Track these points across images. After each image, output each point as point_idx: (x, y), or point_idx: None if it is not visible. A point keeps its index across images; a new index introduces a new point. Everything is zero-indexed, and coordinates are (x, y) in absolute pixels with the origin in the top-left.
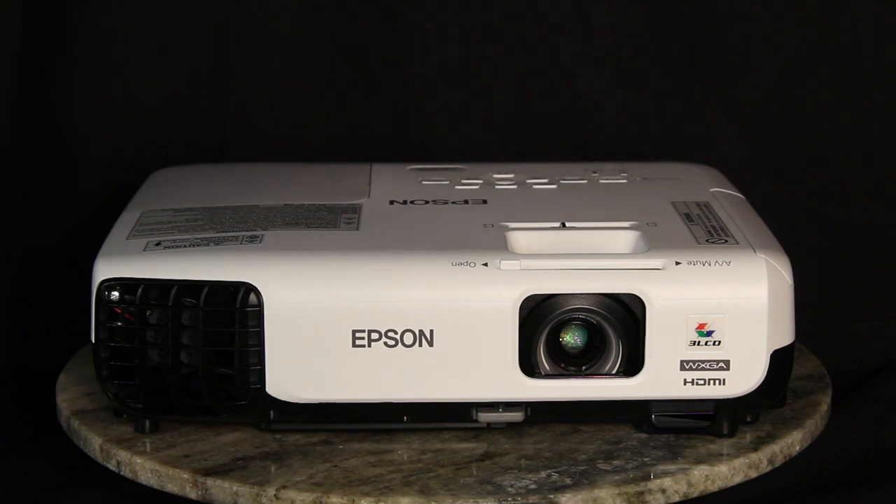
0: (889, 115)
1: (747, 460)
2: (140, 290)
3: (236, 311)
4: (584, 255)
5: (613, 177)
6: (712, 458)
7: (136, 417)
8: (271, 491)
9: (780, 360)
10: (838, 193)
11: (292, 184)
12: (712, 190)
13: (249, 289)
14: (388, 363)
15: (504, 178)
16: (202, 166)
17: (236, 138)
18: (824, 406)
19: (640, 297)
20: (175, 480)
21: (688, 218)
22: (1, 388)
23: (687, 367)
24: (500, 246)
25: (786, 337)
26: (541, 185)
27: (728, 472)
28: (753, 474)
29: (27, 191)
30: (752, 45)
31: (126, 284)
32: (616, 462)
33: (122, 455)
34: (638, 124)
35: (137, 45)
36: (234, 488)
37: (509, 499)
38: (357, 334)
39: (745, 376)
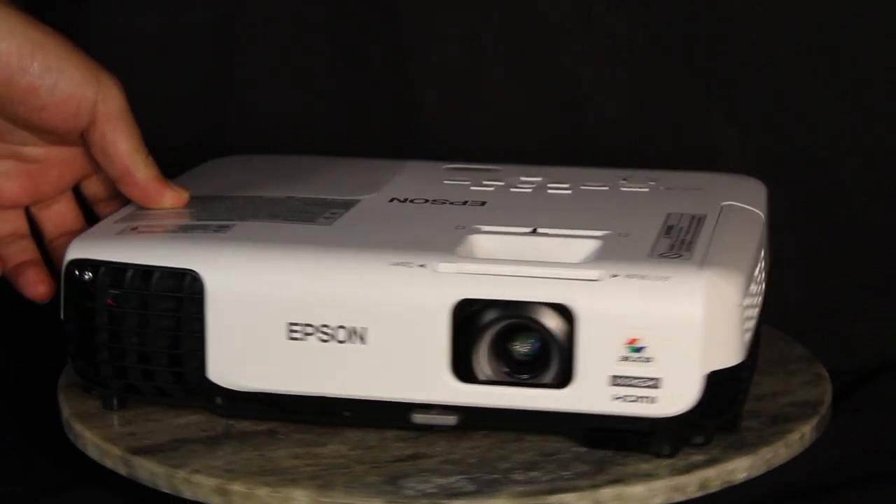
0: (889, 115)
1: (672, 482)
2: (100, 272)
3: (182, 298)
4: (524, 262)
5: (638, 185)
6: (634, 478)
7: (102, 394)
8: (183, 473)
9: (721, 382)
10: (838, 193)
11: (316, 177)
12: (725, 203)
13: (193, 276)
14: (322, 358)
15: (527, 182)
16: (258, 156)
17: (236, 138)
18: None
19: (571, 307)
20: (110, 457)
21: (667, 231)
22: (1, 388)
23: (617, 383)
24: (451, 248)
25: (729, 358)
26: (558, 189)
27: (646, 492)
28: (678, 498)
29: None
30: (752, 45)
31: (90, 265)
32: (533, 473)
33: (79, 428)
34: (638, 124)
35: (137, 45)
36: (154, 468)
37: (400, 501)
38: (292, 327)
39: (677, 396)
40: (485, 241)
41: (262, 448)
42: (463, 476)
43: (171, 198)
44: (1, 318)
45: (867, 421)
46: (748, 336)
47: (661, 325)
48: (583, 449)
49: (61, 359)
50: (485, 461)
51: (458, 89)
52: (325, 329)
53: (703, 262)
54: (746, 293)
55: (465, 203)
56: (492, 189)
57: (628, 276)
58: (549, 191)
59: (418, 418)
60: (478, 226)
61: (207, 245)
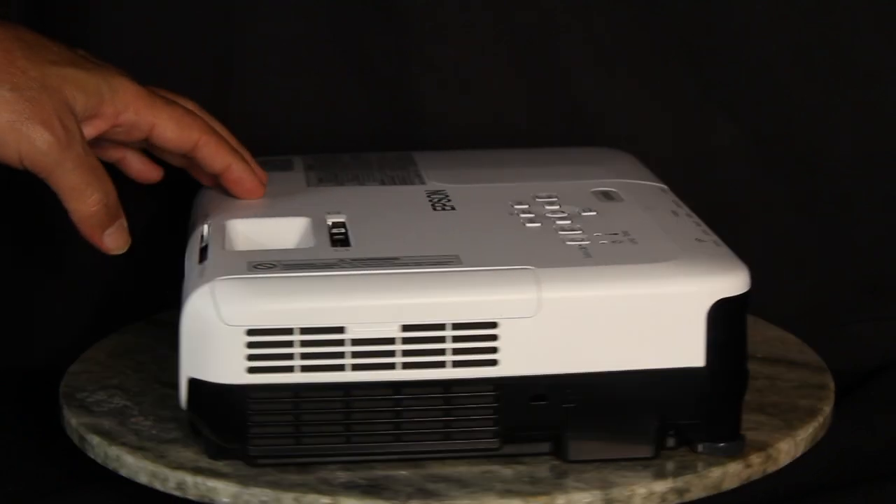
0: (889, 115)
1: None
2: None
3: None
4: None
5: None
6: (189, 470)
7: None
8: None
9: (211, 396)
10: (838, 193)
11: (510, 168)
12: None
13: None
14: None
15: (554, 210)
16: (611, 150)
17: (237, 138)
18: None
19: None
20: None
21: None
22: (2, 388)
23: None
24: (243, 216)
25: (217, 374)
26: (536, 221)
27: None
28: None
29: (27, 192)
30: (752, 45)
31: None
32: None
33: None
34: (638, 124)
35: (136, 45)
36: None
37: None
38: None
39: (182, 399)
40: (296, 226)
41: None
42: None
43: (106, 242)
44: (2, 316)
45: (867, 421)
46: (265, 364)
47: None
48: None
49: (62, 359)
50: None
51: (458, 89)
52: None
53: (239, 281)
54: (258, 317)
55: (441, 208)
56: (523, 206)
57: (203, 270)
58: (525, 220)
59: None
60: (334, 216)
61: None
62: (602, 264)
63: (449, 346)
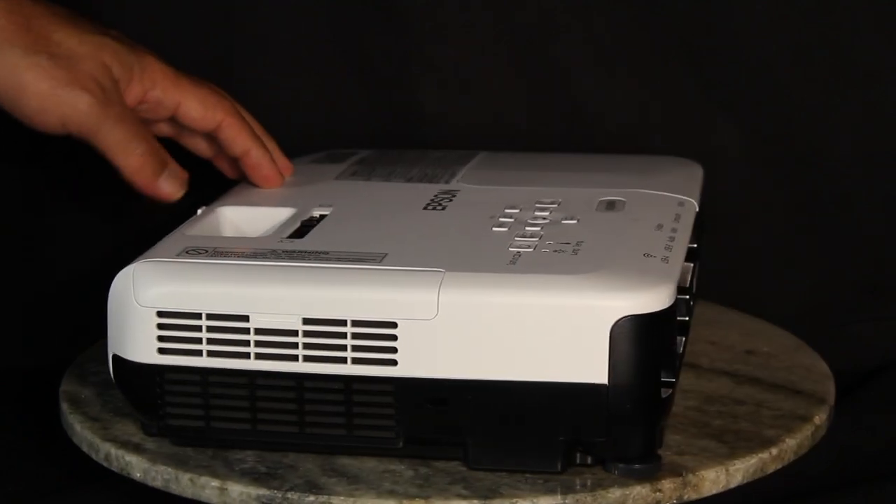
0: (889, 115)
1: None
2: None
3: None
4: (192, 223)
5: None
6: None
7: None
8: None
9: (128, 372)
10: (838, 193)
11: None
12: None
13: None
14: None
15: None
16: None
17: None
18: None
19: None
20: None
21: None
22: (2, 388)
23: None
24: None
25: (132, 351)
26: (507, 220)
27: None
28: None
29: (28, 192)
30: (752, 45)
31: None
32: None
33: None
34: (638, 124)
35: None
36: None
37: None
38: None
39: None
40: (270, 214)
41: None
42: None
43: (163, 188)
44: (2, 316)
45: (867, 421)
46: (175, 346)
47: None
48: None
49: (62, 359)
50: None
51: (458, 89)
52: None
53: (157, 264)
54: (166, 300)
55: (433, 208)
56: (516, 211)
57: (147, 252)
58: (494, 223)
59: None
60: (324, 211)
61: None
62: (514, 272)
63: (349, 342)
